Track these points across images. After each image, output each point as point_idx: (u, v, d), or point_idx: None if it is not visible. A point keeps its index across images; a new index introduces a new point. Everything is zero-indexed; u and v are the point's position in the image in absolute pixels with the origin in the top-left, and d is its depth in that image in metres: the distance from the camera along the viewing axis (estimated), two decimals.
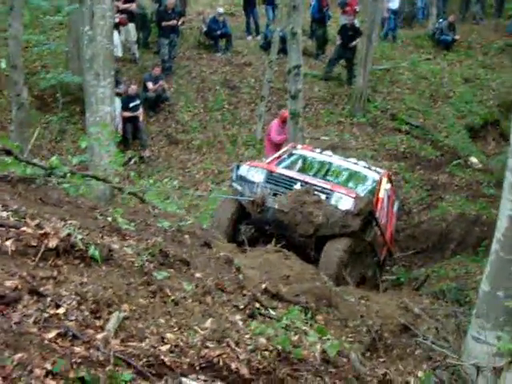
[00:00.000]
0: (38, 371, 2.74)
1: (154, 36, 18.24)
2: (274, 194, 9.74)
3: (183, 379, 3.19)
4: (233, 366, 3.60)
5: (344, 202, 9.63)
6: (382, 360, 5.65)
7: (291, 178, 10.09)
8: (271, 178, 10.01)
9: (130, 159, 13.38)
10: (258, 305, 4.84)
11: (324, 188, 9.87)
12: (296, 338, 4.50)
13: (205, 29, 19.10)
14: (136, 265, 4.70)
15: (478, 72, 21.30)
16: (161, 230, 6.27)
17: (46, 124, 15.08)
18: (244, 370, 3.63)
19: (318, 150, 12.01)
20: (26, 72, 14.26)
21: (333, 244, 9.34)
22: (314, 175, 11.07)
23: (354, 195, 9.81)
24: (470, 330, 5.69)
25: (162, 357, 3.39)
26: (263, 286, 5.51)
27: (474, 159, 17.37)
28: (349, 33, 18.75)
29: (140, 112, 14.99)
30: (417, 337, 6.35)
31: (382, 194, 10.94)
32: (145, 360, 3.34)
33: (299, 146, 12.21)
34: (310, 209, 9.41)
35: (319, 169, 11.61)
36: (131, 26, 17.03)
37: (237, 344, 3.90)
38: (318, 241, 9.47)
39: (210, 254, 6.39)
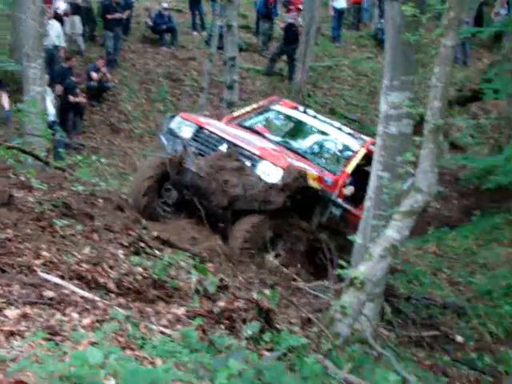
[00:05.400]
0: None
1: (100, 30, 18.63)
2: (201, 154, 8.56)
3: (40, 273, 3.71)
4: (101, 280, 4.12)
5: (272, 172, 8.15)
6: None
7: (219, 136, 8.70)
8: (199, 134, 8.80)
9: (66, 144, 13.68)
10: (143, 245, 5.34)
11: (252, 153, 8.43)
12: (175, 272, 5.03)
13: (150, 23, 19.51)
14: (36, 211, 5.17)
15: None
16: (74, 192, 6.70)
17: None
18: (111, 285, 4.15)
19: (302, 109, 10.51)
20: None
21: (242, 222, 8.13)
22: (281, 137, 9.96)
23: (285, 165, 8.21)
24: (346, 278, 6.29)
25: (35, 267, 3.91)
26: (155, 233, 6.01)
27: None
28: (292, 30, 19.42)
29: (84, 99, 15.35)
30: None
31: (349, 169, 9.29)
32: (18, 269, 3.86)
33: (282, 101, 10.72)
34: (226, 176, 8.14)
35: (290, 131, 10.48)
36: (77, 19, 17.39)
37: (111, 268, 4.43)
38: (235, 215, 8.18)
39: (120, 215, 6.87)
